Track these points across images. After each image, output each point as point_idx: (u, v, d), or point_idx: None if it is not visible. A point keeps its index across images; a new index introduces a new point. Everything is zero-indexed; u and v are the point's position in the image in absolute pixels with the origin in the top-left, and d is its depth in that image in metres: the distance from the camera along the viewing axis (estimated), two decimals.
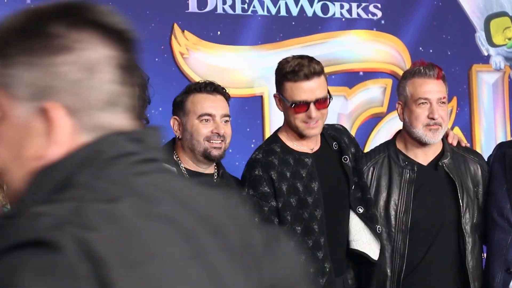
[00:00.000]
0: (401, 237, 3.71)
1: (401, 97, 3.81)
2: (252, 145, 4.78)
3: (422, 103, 3.74)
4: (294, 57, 3.62)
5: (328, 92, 3.65)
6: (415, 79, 3.76)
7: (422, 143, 3.79)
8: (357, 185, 3.73)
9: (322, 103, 3.58)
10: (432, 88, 3.73)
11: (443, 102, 3.76)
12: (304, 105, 3.57)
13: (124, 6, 4.71)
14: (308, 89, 3.56)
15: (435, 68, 3.77)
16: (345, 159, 3.71)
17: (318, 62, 3.61)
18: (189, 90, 3.57)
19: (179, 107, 3.58)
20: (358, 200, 3.70)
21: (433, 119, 3.72)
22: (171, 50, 4.92)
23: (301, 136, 3.65)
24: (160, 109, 4.38)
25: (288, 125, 3.67)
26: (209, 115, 3.52)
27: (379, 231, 3.70)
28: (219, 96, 3.56)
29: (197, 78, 4.69)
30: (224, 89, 3.60)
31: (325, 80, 3.65)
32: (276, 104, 3.71)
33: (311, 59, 3.61)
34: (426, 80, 3.74)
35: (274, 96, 3.71)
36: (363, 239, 3.67)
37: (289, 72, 3.58)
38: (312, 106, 3.56)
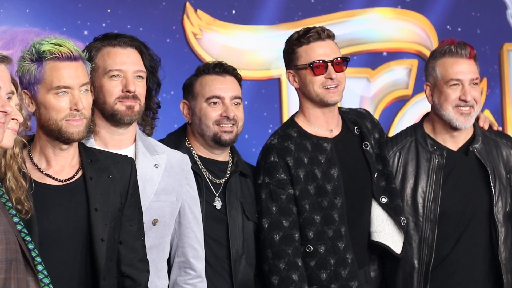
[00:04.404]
0: (430, 227, 3.62)
1: (429, 78, 3.70)
2: (270, 131, 4.68)
3: (454, 84, 3.64)
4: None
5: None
6: (446, 58, 3.65)
7: (452, 127, 3.68)
8: (381, 173, 3.61)
9: (340, 64, 3.53)
10: (464, 69, 3.63)
11: (476, 83, 3.66)
12: (322, 65, 3.50)
13: None
14: (323, 48, 3.51)
15: (466, 46, 3.67)
16: (366, 145, 3.61)
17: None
18: (198, 72, 3.48)
19: (188, 91, 3.48)
20: (381, 189, 3.60)
21: (465, 101, 3.62)
22: (184, 31, 4.79)
23: (322, 104, 3.53)
24: (172, 93, 4.29)
25: (307, 97, 3.56)
26: (218, 97, 3.41)
27: (403, 223, 3.59)
28: (228, 77, 3.45)
29: (210, 60, 4.63)
30: (235, 69, 3.49)
31: (337, 46, 3.59)
32: (290, 82, 3.61)
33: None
34: (458, 60, 3.64)
35: (287, 73, 3.60)
36: (385, 231, 3.58)
37: (300, 35, 3.53)
38: (330, 66, 3.50)
